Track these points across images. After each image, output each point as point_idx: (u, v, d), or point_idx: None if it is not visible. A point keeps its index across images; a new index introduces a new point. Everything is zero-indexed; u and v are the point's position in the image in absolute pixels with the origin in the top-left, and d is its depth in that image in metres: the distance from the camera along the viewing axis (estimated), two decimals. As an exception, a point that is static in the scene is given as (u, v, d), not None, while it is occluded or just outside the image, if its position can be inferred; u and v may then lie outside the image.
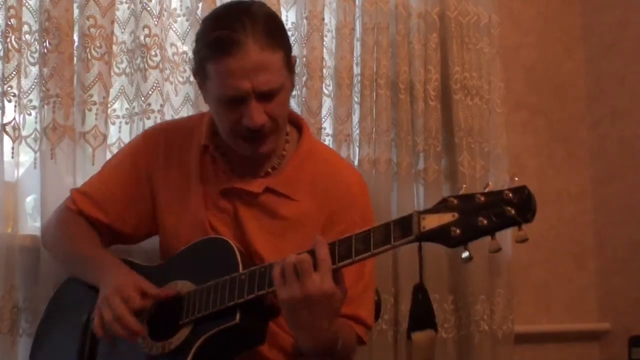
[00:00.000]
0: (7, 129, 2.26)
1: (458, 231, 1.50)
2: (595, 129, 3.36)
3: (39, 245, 2.24)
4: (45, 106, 2.30)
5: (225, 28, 1.77)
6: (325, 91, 2.69)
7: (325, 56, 2.69)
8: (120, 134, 2.46)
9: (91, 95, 2.36)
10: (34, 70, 2.32)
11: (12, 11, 2.27)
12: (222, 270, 1.75)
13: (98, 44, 2.37)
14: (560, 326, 3.23)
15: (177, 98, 2.52)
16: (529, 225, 3.38)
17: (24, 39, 2.31)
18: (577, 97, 3.39)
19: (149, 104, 2.44)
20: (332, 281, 1.60)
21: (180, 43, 2.54)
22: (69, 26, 2.33)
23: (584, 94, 3.40)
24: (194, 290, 1.78)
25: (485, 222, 1.48)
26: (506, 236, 2.91)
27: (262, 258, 1.83)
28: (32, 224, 2.36)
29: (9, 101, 2.27)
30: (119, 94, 2.47)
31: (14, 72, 2.27)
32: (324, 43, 2.68)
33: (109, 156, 2.37)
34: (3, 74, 2.26)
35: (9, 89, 2.27)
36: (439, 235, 1.52)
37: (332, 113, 2.71)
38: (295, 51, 2.61)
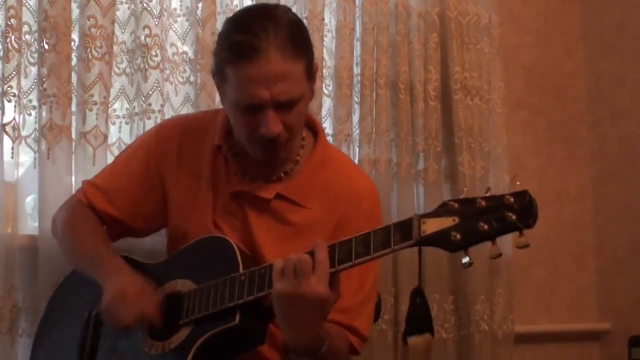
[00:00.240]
0: (7, 129, 2.27)
1: (458, 236, 1.49)
2: (595, 129, 3.36)
3: (38, 245, 2.24)
4: (43, 106, 2.31)
5: (247, 33, 1.73)
6: (325, 91, 2.69)
7: (325, 56, 2.69)
8: (120, 134, 2.46)
9: (92, 95, 2.36)
10: (34, 70, 2.32)
11: (12, 11, 2.27)
12: (222, 269, 1.74)
13: (99, 44, 2.37)
14: (560, 326, 3.23)
15: (177, 98, 2.52)
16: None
17: (23, 39, 2.31)
18: (577, 97, 3.39)
19: (149, 104, 2.44)
20: (327, 285, 1.60)
21: (180, 43, 2.54)
22: (66, 26, 2.33)
23: (584, 94, 3.40)
24: (194, 290, 1.77)
25: (486, 227, 1.47)
26: (506, 237, 2.92)
27: (267, 263, 1.82)
28: (32, 224, 2.36)
29: (9, 101, 2.27)
30: (119, 94, 2.47)
31: (14, 72, 2.27)
32: (324, 43, 2.68)
33: (109, 156, 2.37)
34: (3, 74, 2.27)
35: (9, 89, 2.27)
36: (439, 239, 1.51)
37: (332, 113, 2.71)
38: (295, 51, 2.61)
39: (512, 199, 1.47)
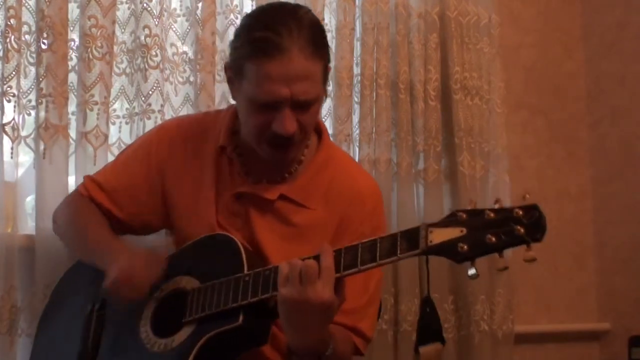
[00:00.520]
0: (6, 129, 2.27)
1: (465, 247, 1.48)
2: (595, 129, 3.36)
3: (35, 245, 2.24)
4: (39, 106, 2.31)
5: (271, 30, 1.72)
6: (326, 91, 2.69)
7: (326, 56, 2.69)
8: (120, 134, 2.46)
9: (92, 95, 2.36)
10: (33, 70, 2.32)
11: (11, 11, 2.27)
12: (227, 268, 1.75)
13: (99, 44, 2.37)
14: (560, 326, 3.23)
15: (177, 98, 2.52)
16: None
17: (23, 39, 2.31)
18: (577, 97, 3.39)
19: (149, 104, 2.44)
20: (333, 291, 1.60)
21: (180, 43, 2.54)
22: (62, 25, 2.32)
23: (584, 94, 3.40)
24: (198, 288, 1.78)
25: (493, 239, 1.46)
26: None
27: (271, 263, 1.81)
28: (31, 224, 2.36)
29: (9, 101, 2.27)
30: (119, 94, 2.47)
31: (14, 72, 2.27)
32: (324, 43, 2.68)
33: (110, 156, 2.37)
34: (3, 74, 2.27)
35: (9, 89, 2.27)
36: (446, 250, 1.50)
37: (332, 113, 2.71)
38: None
39: (521, 212, 1.47)
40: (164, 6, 2.50)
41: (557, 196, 3.29)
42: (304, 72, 1.73)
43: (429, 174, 2.82)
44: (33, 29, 2.33)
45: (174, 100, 2.51)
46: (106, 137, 2.38)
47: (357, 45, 2.76)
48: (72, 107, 2.38)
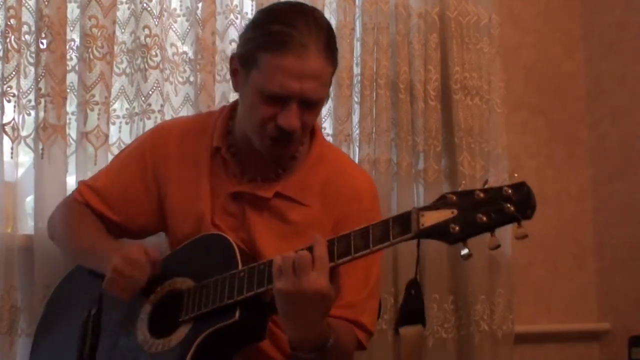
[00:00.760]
0: (6, 129, 2.27)
1: (457, 228, 1.49)
2: (595, 129, 3.36)
3: (34, 245, 2.24)
4: (38, 106, 2.31)
5: (291, 25, 1.75)
6: (325, 91, 2.69)
7: (325, 56, 2.68)
8: (120, 134, 2.46)
9: (93, 95, 2.37)
10: (33, 70, 2.32)
11: (11, 11, 2.27)
12: (221, 266, 1.75)
13: (100, 44, 2.37)
14: (560, 326, 3.23)
15: (177, 98, 2.52)
16: (529, 225, 3.38)
17: (23, 39, 2.31)
18: (577, 97, 3.38)
19: (149, 104, 2.44)
20: (328, 280, 1.60)
21: (180, 43, 2.54)
22: (60, 25, 2.33)
23: (584, 94, 3.40)
24: (194, 287, 1.78)
25: (484, 218, 1.48)
26: (506, 236, 2.92)
27: None
28: (31, 224, 2.36)
29: (9, 101, 2.28)
30: (119, 94, 2.47)
31: (14, 72, 2.27)
32: (324, 43, 2.68)
33: (110, 157, 2.37)
34: (3, 74, 2.27)
35: (9, 89, 2.27)
36: (438, 232, 1.51)
37: (332, 113, 2.71)
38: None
39: (510, 191, 1.47)
40: (164, 6, 2.50)
41: (557, 196, 3.29)
42: (317, 71, 1.76)
43: (429, 174, 2.82)
44: (33, 29, 2.33)
45: (174, 101, 2.52)
46: (107, 137, 2.38)
47: (357, 45, 2.76)
48: (72, 107, 2.38)
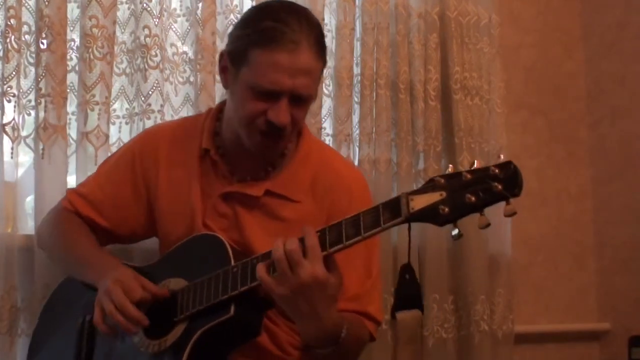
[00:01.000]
0: (6, 129, 2.27)
1: (447, 209, 1.51)
2: (595, 129, 3.36)
3: (34, 244, 2.24)
4: (38, 106, 2.31)
5: (283, 22, 1.77)
6: (325, 91, 2.69)
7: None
8: (120, 134, 2.46)
9: (93, 95, 2.37)
10: (33, 70, 2.33)
11: (11, 11, 2.27)
12: (214, 265, 1.75)
13: (100, 44, 2.37)
14: (560, 326, 3.23)
15: (177, 98, 2.52)
16: (529, 225, 3.38)
17: (23, 39, 2.31)
18: (577, 97, 3.38)
19: (149, 104, 2.44)
20: (323, 268, 1.60)
21: (180, 43, 2.54)
22: (61, 25, 2.33)
23: (584, 94, 3.39)
24: (187, 287, 1.78)
25: (473, 198, 1.49)
26: (506, 235, 2.92)
27: None
28: (31, 224, 2.36)
29: (9, 101, 2.28)
30: (119, 94, 2.47)
31: (14, 72, 2.28)
32: (324, 43, 2.68)
33: (111, 157, 2.37)
34: (3, 74, 2.27)
35: (9, 89, 2.27)
36: (428, 214, 1.53)
37: (332, 113, 2.71)
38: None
39: (497, 170, 1.49)
40: (164, 6, 2.50)
41: (557, 196, 3.29)
42: (309, 67, 1.78)
43: (429, 174, 2.81)
44: (33, 29, 2.33)
45: (174, 101, 2.52)
46: (107, 137, 2.38)
47: (357, 45, 2.76)
48: (72, 107, 2.38)
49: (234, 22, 2.57)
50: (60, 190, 2.28)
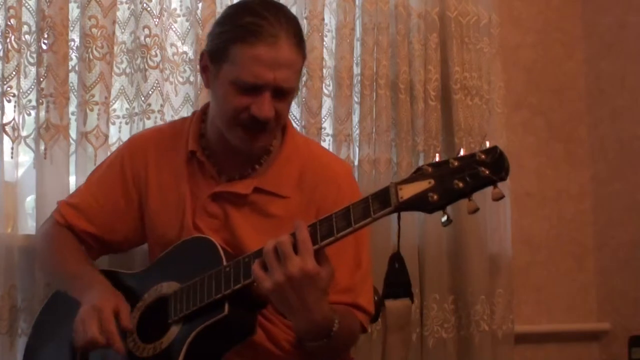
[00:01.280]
0: (6, 129, 2.27)
1: (435, 196, 1.52)
2: (595, 129, 3.36)
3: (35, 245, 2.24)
4: (40, 106, 2.31)
5: (261, 17, 1.79)
6: (325, 91, 2.69)
7: (325, 56, 2.69)
8: (120, 134, 2.46)
9: (93, 95, 2.37)
10: (33, 70, 2.33)
11: (12, 11, 2.27)
12: (206, 266, 1.75)
13: (100, 44, 2.37)
14: (560, 326, 3.23)
15: (177, 98, 2.52)
16: (530, 225, 3.38)
17: (23, 39, 2.31)
18: (577, 97, 3.38)
19: (149, 104, 2.44)
20: (314, 262, 1.61)
21: (180, 43, 2.54)
22: (63, 25, 2.33)
23: (584, 94, 3.39)
24: (180, 289, 1.77)
25: (461, 184, 1.50)
26: (506, 235, 2.92)
27: None
28: (31, 224, 2.36)
29: (9, 101, 2.28)
30: (119, 94, 2.47)
31: (14, 72, 2.28)
32: (324, 43, 2.68)
33: (110, 156, 2.37)
34: (3, 74, 2.27)
35: (9, 89, 2.27)
36: (417, 202, 1.54)
37: (332, 113, 2.71)
38: (295, 51, 2.61)
39: (483, 156, 1.51)
40: (164, 6, 2.50)
41: (557, 196, 3.29)
42: (289, 60, 1.80)
43: (429, 174, 2.81)
44: (33, 29, 2.33)
45: (174, 100, 2.52)
46: (106, 137, 2.38)
47: (357, 45, 2.76)
48: (72, 107, 2.38)
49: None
50: (61, 190, 2.28)
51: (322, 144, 2.64)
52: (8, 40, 2.26)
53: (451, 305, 2.82)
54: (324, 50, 2.68)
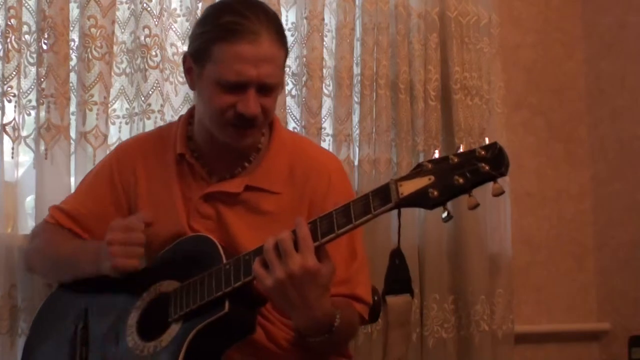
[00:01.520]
0: (7, 129, 2.27)
1: (436, 193, 1.52)
2: (595, 129, 3.36)
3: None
4: (40, 106, 2.31)
5: (241, 16, 1.80)
6: (325, 91, 2.69)
7: (325, 56, 2.69)
8: (120, 134, 2.47)
9: (92, 95, 2.37)
10: (33, 70, 2.33)
11: (12, 11, 2.28)
12: (205, 264, 1.75)
13: (99, 44, 2.37)
14: (560, 326, 3.23)
15: (177, 98, 2.52)
16: (530, 225, 3.38)
17: (23, 39, 2.31)
18: (577, 97, 3.38)
19: (149, 104, 2.44)
20: (315, 259, 1.61)
21: (180, 43, 2.54)
22: (64, 26, 2.33)
23: (584, 94, 3.39)
24: (180, 287, 1.77)
25: (461, 180, 1.51)
26: (506, 235, 2.92)
27: None
28: (31, 224, 2.36)
29: (9, 101, 2.28)
30: (119, 94, 2.47)
31: (14, 72, 2.28)
32: (324, 43, 2.68)
33: (109, 157, 2.37)
34: (3, 74, 2.27)
35: (9, 89, 2.28)
36: (418, 199, 1.54)
37: (332, 113, 2.71)
38: (295, 51, 2.62)
39: (483, 152, 1.51)
40: (164, 6, 2.50)
41: (557, 196, 3.29)
42: (271, 55, 1.81)
43: (429, 174, 2.81)
44: (33, 29, 2.33)
45: (174, 100, 2.52)
46: (105, 137, 2.39)
47: (357, 45, 2.76)
48: (71, 107, 2.38)
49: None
50: (61, 190, 2.28)
51: (322, 144, 2.64)
52: (8, 40, 2.26)
53: (451, 305, 2.82)
54: (324, 50, 2.68)
